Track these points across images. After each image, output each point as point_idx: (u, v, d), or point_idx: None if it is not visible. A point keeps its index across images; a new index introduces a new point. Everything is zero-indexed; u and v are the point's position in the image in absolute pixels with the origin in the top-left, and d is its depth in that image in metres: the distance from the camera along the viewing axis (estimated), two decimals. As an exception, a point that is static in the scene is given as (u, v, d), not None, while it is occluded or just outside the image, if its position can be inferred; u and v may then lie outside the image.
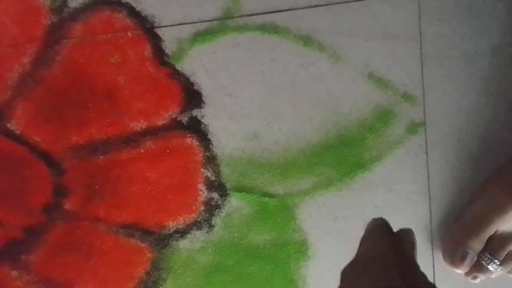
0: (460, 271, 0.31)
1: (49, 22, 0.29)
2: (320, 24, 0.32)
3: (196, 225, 0.32)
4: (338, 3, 0.32)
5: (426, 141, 0.34)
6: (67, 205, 0.30)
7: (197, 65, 0.31)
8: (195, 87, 0.32)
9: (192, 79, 0.31)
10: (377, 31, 0.33)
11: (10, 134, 0.29)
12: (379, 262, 0.21)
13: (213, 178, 0.32)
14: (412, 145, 0.34)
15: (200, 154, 0.32)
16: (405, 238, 0.22)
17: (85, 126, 0.30)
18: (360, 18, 0.32)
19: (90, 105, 0.30)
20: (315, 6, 0.32)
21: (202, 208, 0.32)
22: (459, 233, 0.32)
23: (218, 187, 0.32)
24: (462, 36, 0.33)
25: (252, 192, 0.33)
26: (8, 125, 0.29)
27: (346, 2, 0.32)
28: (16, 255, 0.30)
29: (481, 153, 0.33)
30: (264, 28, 0.32)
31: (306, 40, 0.32)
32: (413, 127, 0.33)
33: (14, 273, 0.30)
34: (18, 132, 0.29)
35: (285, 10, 0.32)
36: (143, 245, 0.31)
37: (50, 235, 0.30)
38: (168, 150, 0.31)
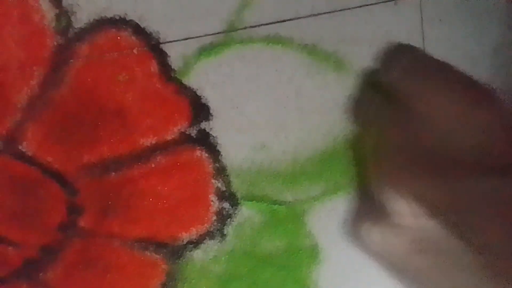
0: None
1: (55, 44, 0.29)
2: (324, 33, 0.32)
3: (209, 235, 0.33)
4: (341, 10, 0.32)
5: (430, 141, 0.34)
6: (82, 223, 0.31)
7: (203, 79, 0.32)
8: (203, 101, 0.32)
9: (199, 92, 0.32)
10: (380, 36, 0.33)
11: (22, 157, 0.29)
12: None
13: (224, 189, 0.33)
14: (417, 146, 0.34)
15: (210, 166, 0.32)
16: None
17: (96, 145, 0.30)
18: (363, 24, 0.33)
19: (100, 123, 0.30)
20: (318, 14, 0.32)
21: (214, 218, 0.33)
22: None
23: (229, 197, 0.33)
24: (464, 37, 0.34)
25: (262, 201, 0.33)
26: (20, 148, 0.29)
27: (350, 9, 0.32)
28: (33, 274, 0.30)
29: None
30: (268, 39, 0.32)
31: (311, 49, 0.32)
32: (418, 129, 0.34)
33: (34, 291, 0.31)
34: (30, 154, 0.30)
35: (288, 20, 0.32)
36: (158, 257, 0.32)
37: (67, 253, 0.31)
38: (178, 164, 0.32)
